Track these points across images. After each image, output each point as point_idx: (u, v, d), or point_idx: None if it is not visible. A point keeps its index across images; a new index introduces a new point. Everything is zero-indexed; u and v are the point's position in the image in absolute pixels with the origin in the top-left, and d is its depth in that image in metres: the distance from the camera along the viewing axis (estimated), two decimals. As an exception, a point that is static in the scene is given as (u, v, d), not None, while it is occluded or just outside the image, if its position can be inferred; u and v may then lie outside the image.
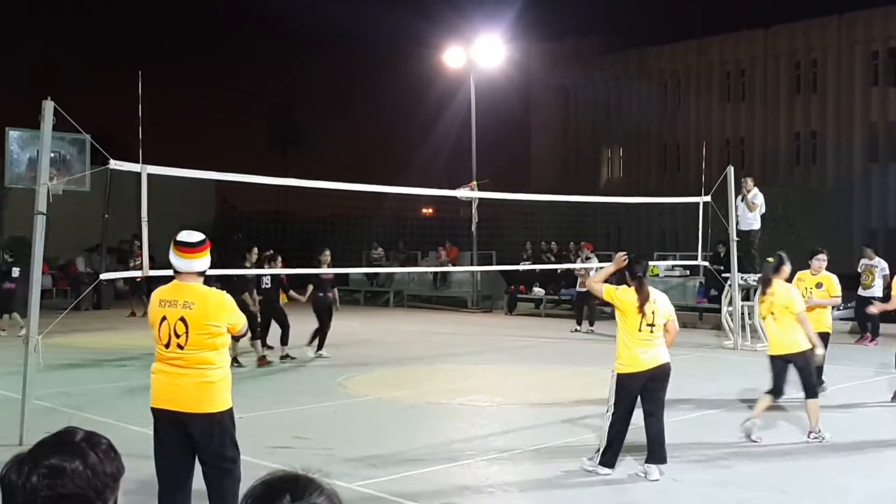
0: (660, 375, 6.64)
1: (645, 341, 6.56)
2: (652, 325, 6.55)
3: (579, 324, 18.31)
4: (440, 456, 7.55)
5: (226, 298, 4.92)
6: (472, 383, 11.77)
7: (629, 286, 6.62)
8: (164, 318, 4.82)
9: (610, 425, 6.65)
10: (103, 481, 1.86)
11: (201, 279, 4.99)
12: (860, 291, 15.76)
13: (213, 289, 4.99)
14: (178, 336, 4.78)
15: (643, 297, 6.53)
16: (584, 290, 18.68)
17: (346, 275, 26.23)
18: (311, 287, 13.70)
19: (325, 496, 1.74)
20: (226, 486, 4.86)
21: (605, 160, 42.41)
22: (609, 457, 6.65)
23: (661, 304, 6.67)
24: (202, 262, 4.96)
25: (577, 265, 18.84)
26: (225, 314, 4.85)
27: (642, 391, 6.65)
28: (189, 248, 4.92)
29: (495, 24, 28.71)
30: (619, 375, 6.65)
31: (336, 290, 14.13)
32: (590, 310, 18.36)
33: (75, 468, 1.83)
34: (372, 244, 27.74)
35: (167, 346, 4.82)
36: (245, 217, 34.10)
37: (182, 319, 4.76)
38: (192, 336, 4.76)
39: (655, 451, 6.62)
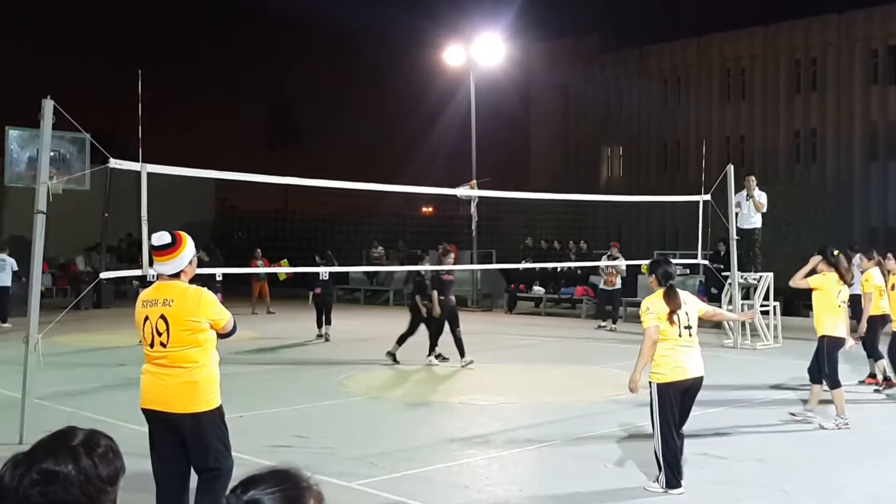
0: (696, 388, 6.36)
1: (687, 346, 6.28)
2: (689, 326, 6.31)
3: (604, 321, 18.72)
4: (440, 455, 7.56)
5: (205, 294, 4.88)
6: (472, 382, 11.77)
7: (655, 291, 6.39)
8: (146, 318, 4.85)
9: (663, 446, 6.21)
10: (97, 486, 1.82)
11: (184, 278, 4.95)
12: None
13: (194, 285, 4.96)
14: (159, 334, 4.79)
15: (674, 305, 6.26)
16: (608, 288, 18.93)
17: (346, 274, 26.26)
18: (435, 294, 12.82)
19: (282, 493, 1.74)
20: (214, 487, 4.84)
21: (605, 158, 42.37)
22: (674, 479, 6.21)
23: (690, 304, 6.47)
24: (170, 265, 4.91)
25: (603, 263, 18.93)
26: (204, 309, 4.81)
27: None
28: (158, 251, 4.91)
29: (495, 23, 28.76)
30: (658, 386, 6.23)
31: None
32: (615, 309, 18.89)
33: (68, 473, 1.79)
34: (372, 243, 27.76)
35: (151, 345, 4.85)
36: (245, 216, 34.15)
37: (162, 317, 4.78)
38: (173, 333, 4.77)
39: (680, 468, 6.33)
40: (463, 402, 10.36)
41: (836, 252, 8.93)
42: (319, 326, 16.63)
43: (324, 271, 15.91)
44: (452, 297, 13.07)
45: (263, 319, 20.48)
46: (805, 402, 9.07)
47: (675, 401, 6.25)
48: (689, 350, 6.30)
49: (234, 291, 22.06)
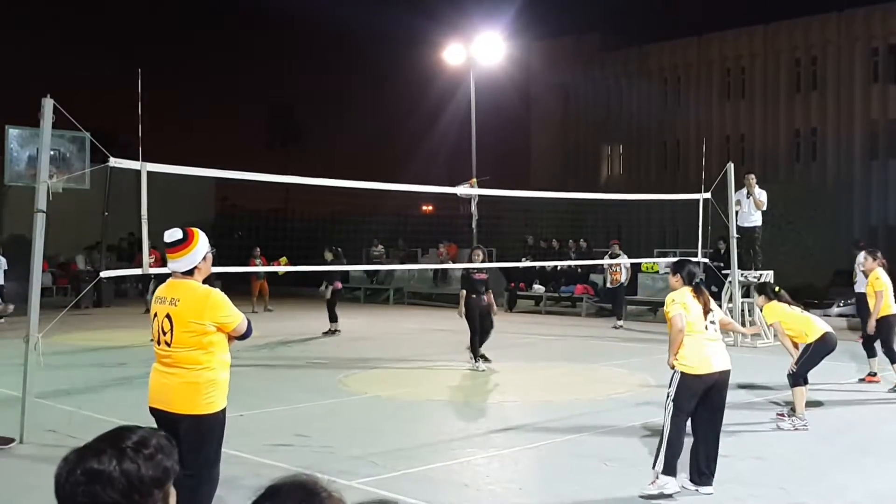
0: (722, 383, 6.26)
1: (713, 340, 6.29)
2: (713, 322, 6.37)
3: (619, 319, 18.73)
4: (440, 453, 7.56)
5: (213, 296, 4.77)
6: (473, 381, 11.77)
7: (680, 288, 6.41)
8: (155, 315, 4.82)
9: (671, 432, 6.05)
10: (141, 490, 1.81)
11: (198, 275, 4.87)
12: (857, 288, 15.90)
13: (204, 286, 4.85)
14: (164, 333, 4.75)
15: (706, 303, 6.36)
16: (612, 286, 18.95)
17: (346, 272, 26.27)
18: (463, 293, 12.50)
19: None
20: (199, 493, 4.75)
21: (605, 157, 42.38)
22: (672, 464, 6.04)
23: (712, 301, 6.56)
24: (183, 261, 4.83)
25: (606, 262, 18.91)
26: (210, 312, 4.71)
27: (702, 398, 6.17)
28: (170, 247, 4.84)
29: (495, 22, 28.77)
30: (683, 374, 6.16)
31: (490, 292, 12.75)
32: (618, 306, 19.00)
33: (110, 474, 1.79)
34: (373, 242, 27.76)
35: (158, 343, 4.82)
36: (245, 215, 34.15)
37: (168, 316, 4.73)
38: (176, 333, 4.71)
39: (710, 470, 6.24)
40: (463, 400, 10.36)
41: (776, 288, 9.26)
42: (332, 321, 16.95)
43: (335, 269, 16.38)
44: (485, 297, 12.51)
45: (263, 318, 20.48)
46: (789, 404, 9.07)
47: (696, 396, 6.15)
48: (714, 344, 6.31)
49: (234, 290, 22.07)
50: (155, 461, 1.84)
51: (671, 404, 6.15)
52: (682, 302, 6.31)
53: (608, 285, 19.32)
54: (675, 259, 6.82)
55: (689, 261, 6.75)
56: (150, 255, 8.97)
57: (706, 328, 6.29)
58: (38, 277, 8.05)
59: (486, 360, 12.58)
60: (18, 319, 16.40)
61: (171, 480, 1.88)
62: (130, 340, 15.13)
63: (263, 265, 20.67)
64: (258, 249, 22.18)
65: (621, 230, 30.35)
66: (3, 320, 18.37)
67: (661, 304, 6.75)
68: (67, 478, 1.79)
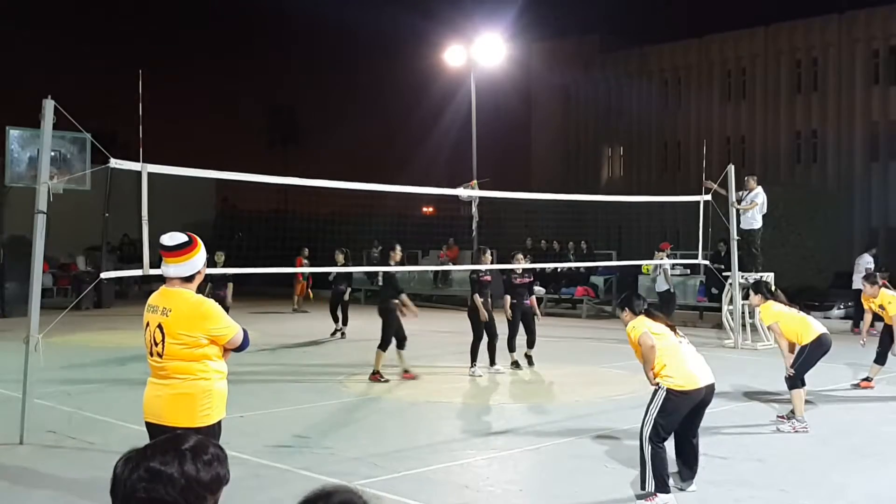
0: (710, 396, 6.20)
1: (691, 353, 6.25)
2: (684, 337, 6.35)
3: None
4: (441, 455, 7.56)
5: (206, 307, 4.56)
6: (473, 382, 11.77)
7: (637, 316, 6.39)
8: (147, 325, 4.61)
9: (652, 453, 5.93)
10: (197, 492, 1.90)
11: (191, 284, 4.66)
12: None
13: (197, 296, 4.64)
14: (156, 344, 4.55)
15: (664, 320, 6.41)
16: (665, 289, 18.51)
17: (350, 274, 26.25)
18: (507, 298, 12.51)
19: None
20: None
21: (605, 159, 42.36)
22: (664, 481, 5.94)
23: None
24: (186, 266, 4.61)
25: (668, 262, 18.53)
26: (201, 324, 4.51)
27: (689, 412, 6.12)
28: (168, 251, 4.62)
29: (496, 23, 28.74)
30: (669, 391, 6.03)
31: (535, 297, 13.00)
32: (673, 309, 18.69)
33: (171, 475, 1.88)
34: (373, 243, 27.75)
35: (151, 354, 4.61)
36: (245, 216, 34.15)
37: (160, 327, 4.52)
38: (167, 345, 4.51)
39: (694, 468, 6.34)
40: (463, 402, 10.36)
41: (773, 288, 9.34)
42: (337, 322, 17.14)
43: (340, 271, 16.55)
44: (527, 302, 12.61)
45: (261, 319, 20.48)
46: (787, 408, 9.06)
47: (681, 415, 6.07)
48: (693, 357, 6.23)
49: (239, 290, 22.07)
50: (212, 467, 1.95)
51: (651, 421, 5.98)
52: (642, 324, 6.27)
53: (663, 289, 18.57)
54: (623, 296, 6.79)
55: (634, 294, 6.70)
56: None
57: (679, 342, 6.24)
58: (38, 278, 8.06)
59: (516, 366, 12.50)
60: (19, 320, 16.40)
61: (222, 488, 1.97)
62: (130, 341, 15.13)
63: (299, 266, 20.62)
64: (306, 250, 22.05)
65: (621, 232, 30.36)
66: None
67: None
68: (130, 475, 1.88)
